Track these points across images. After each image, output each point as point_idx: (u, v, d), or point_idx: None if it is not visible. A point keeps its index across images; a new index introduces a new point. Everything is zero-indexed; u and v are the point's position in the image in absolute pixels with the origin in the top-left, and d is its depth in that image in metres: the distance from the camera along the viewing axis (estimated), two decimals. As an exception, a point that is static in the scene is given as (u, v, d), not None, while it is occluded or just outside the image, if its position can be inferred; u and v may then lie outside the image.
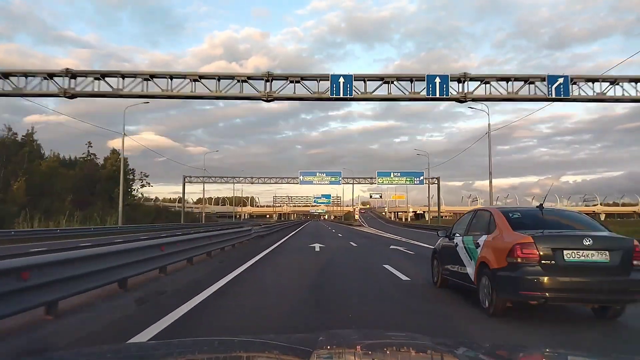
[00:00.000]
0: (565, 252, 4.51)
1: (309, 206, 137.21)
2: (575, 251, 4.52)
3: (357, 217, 67.49)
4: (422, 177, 54.75)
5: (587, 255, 4.51)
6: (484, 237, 5.46)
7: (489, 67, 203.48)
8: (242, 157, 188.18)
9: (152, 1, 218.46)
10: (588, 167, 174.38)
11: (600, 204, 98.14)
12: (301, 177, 56.51)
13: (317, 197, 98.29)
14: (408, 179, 55.45)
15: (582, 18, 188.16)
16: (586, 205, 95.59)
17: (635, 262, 4.51)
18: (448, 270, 6.51)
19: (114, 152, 49.06)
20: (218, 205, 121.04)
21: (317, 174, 57.05)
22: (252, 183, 62.87)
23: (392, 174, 55.73)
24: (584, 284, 4.46)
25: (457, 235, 6.41)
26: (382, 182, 56.04)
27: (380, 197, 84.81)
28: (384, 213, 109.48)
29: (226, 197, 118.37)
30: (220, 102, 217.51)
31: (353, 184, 61.01)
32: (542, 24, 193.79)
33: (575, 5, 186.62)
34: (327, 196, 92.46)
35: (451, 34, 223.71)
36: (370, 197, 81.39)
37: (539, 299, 4.54)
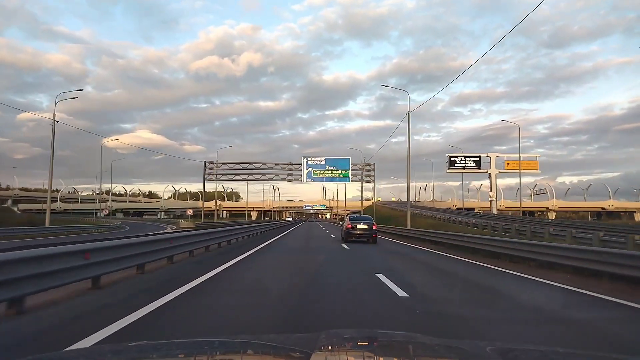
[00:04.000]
0: (357, 225, 22.17)
1: (303, 201, 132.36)
2: (358, 225, 22.08)
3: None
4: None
5: (362, 226, 22.02)
6: (345, 222, 23.91)
7: (487, 66, 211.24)
8: (238, 157, 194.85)
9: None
10: (584, 168, 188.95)
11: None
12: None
13: (318, 163, 52.61)
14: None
15: (583, 16, 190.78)
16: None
17: (373, 228, 22.20)
18: (342, 234, 23.43)
19: None
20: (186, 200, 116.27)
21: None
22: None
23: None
24: (361, 234, 21.86)
25: (344, 222, 25.36)
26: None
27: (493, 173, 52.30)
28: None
29: (199, 192, 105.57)
30: (216, 100, 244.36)
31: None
32: (542, 22, 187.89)
33: (577, 3, 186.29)
34: (343, 163, 52.48)
35: (450, 31, 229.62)
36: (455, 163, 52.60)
37: (352, 237, 21.75)
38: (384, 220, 54.65)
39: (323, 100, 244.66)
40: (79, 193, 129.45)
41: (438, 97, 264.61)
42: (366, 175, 56.00)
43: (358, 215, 26.61)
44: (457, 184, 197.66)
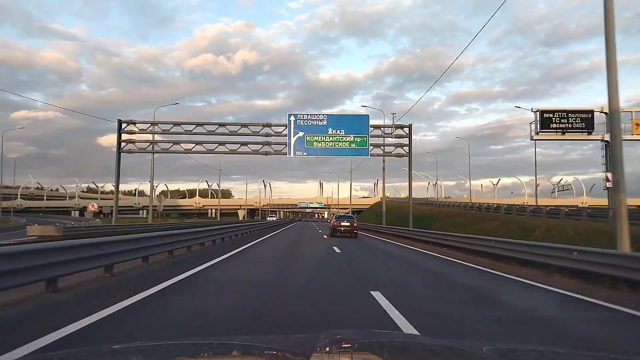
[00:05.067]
0: (341, 222, 28.76)
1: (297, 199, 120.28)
2: (342, 222, 28.62)
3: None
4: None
5: (345, 224, 28.46)
6: (332, 220, 32.94)
7: (483, 65, 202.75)
8: (234, 155, 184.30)
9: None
10: (580, 167, 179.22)
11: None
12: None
13: (316, 124, 31.25)
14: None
15: (580, 14, 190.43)
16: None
17: (354, 225, 28.91)
18: (329, 230, 30.62)
19: None
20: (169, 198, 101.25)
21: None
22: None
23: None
24: (345, 230, 27.99)
25: (331, 219, 35.77)
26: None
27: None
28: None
29: (187, 190, 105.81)
30: (212, 99, 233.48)
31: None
32: (538, 20, 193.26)
33: (574, 1, 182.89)
34: (357, 124, 31.66)
35: (446, 29, 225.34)
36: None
37: (337, 233, 27.89)
38: (427, 220, 35.72)
39: (320, 99, 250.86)
40: (46, 191, 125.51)
41: (435, 96, 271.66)
42: (394, 145, 33.38)
43: (343, 214, 35.68)
44: (453, 183, 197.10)
